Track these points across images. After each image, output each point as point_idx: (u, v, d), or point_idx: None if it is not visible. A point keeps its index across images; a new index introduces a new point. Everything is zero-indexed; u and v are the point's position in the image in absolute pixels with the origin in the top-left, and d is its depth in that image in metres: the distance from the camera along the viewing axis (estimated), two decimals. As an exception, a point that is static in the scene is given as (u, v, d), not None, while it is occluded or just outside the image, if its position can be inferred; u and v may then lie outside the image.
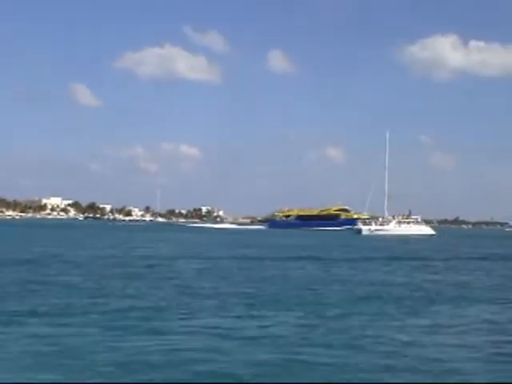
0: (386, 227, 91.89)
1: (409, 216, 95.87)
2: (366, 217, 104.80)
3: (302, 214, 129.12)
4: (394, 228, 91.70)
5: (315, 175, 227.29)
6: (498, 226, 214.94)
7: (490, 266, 32.27)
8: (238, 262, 29.53)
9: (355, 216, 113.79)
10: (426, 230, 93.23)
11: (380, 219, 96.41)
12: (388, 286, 20.36)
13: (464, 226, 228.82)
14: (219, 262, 29.41)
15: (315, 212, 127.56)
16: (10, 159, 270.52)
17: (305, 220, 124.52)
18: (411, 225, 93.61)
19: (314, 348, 10.20)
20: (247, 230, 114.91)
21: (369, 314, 14.13)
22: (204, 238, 65.50)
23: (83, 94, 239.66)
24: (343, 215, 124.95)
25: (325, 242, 59.67)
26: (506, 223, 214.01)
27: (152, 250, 39.46)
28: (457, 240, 79.71)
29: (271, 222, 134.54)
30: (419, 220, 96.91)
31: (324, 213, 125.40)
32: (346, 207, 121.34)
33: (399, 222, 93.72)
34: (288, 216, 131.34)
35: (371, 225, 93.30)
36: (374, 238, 75.87)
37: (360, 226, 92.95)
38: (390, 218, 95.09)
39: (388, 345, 10.70)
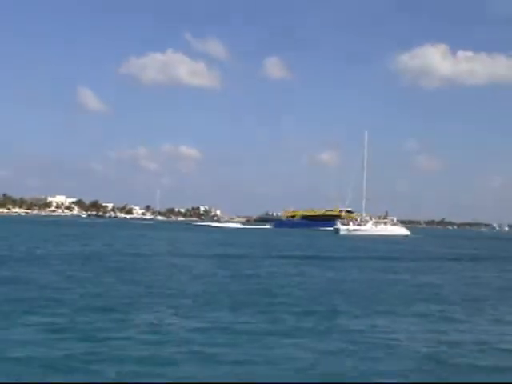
0: (363, 227, 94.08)
1: (385, 217, 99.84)
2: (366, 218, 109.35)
3: (306, 214, 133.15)
4: (370, 228, 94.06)
5: (309, 177, 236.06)
6: (482, 228, 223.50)
7: (447, 266, 32.80)
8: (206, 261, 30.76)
9: (357, 217, 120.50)
10: (401, 231, 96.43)
11: (358, 219, 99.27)
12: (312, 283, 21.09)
13: (449, 227, 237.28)
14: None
15: (319, 213, 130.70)
16: (18, 159, 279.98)
17: (309, 220, 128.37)
18: (387, 225, 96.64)
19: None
20: (253, 229, 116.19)
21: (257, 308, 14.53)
22: (217, 237, 66.62)
23: (88, 98, 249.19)
24: (346, 216, 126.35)
25: (303, 242, 61.79)
26: (490, 224, 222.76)
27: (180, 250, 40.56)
28: (429, 240, 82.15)
29: (277, 221, 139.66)
30: (395, 221, 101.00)
31: (328, 213, 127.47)
32: (350, 209, 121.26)
33: (376, 223, 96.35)
34: (293, 216, 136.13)
35: (349, 225, 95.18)
36: (350, 238, 77.92)
37: (339, 225, 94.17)
38: (368, 218, 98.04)
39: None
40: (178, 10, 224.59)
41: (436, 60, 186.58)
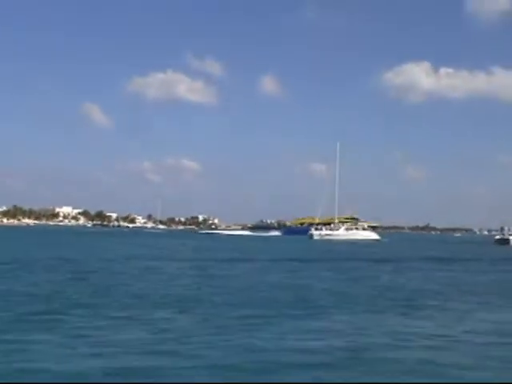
0: (335, 232, 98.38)
1: (357, 222, 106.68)
2: (374, 225, 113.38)
3: (314, 221, 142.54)
4: (342, 233, 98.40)
5: (301, 187, 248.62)
6: (464, 232, 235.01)
7: (406, 267, 34.64)
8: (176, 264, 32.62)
9: (366, 224, 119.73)
10: (372, 235, 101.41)
11: (332, 225, 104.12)
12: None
13: (433, 233, 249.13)
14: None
15: (326, 220, 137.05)
16: (30, 171, 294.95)
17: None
18: (358, 230, 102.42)
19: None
20: (260, 236, 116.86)
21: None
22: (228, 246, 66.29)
23: (96, 114, 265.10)
24: (352, 223, 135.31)
25: (279, 247, 66.20)
26: (471, 230, 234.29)
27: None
28: (397, 244, 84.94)
29: (286, 229, 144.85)
30: (365, 226, 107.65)
31: (332, 221, 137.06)
32: (356, 216, 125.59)
33: (347, 228, 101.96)
34: (302, 223, 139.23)
35: (322, 230, 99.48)
36: (322, 242, 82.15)
37: (313, 231, 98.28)
38: (340, 224, 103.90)
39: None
40: (177, 33, 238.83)
41: (420, 76, 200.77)
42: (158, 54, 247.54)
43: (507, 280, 28.03)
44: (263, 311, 14.97)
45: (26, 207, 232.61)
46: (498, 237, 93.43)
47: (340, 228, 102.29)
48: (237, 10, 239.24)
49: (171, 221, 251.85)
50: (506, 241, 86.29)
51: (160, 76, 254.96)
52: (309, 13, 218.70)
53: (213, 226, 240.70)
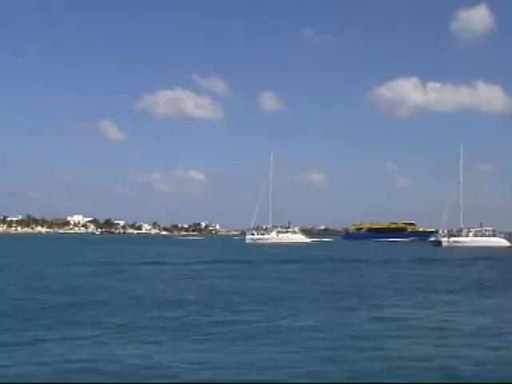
0: (266, 236, 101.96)
1: (288, 227, 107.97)
2: (431, 230, 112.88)
3: (372, 227, 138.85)
4: (273, 237, 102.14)
5: (298, 196, 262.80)
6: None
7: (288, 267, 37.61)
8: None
9: (420, 229, 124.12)
10: (302, 239, 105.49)
11: (264, 229, 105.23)
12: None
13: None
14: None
15: (384, 225, 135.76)
16: (46, 183, 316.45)
17: (375, 232, 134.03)
18: (288, 234, 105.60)
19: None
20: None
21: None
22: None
23: (110, 129, 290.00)
24: (409, 228, 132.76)
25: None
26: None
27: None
28: (329, 247, 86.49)
29: (345, 234, 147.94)
30: (296, 230, 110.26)
31: (392, 226, 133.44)
32: (413, 221, 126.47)
33: (278, 232, 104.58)
34: (360, 229, 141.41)
35: (254, 234, 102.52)
36: (253, 246, 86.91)
37: (247, 235, 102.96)
38: (273, 228, 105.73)
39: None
40: (185, 54, 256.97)
41: (409, 91, 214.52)
42: (167, 73, 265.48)
43: (364, 283, 27.48)
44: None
45: (47, 217, 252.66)
46: (432, 239, 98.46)
47: (272, 232, 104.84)
48: (239, 31, 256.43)
49: (174, 227, 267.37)
50: (439, 243, 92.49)
51: (169, 93, 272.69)
52: (305, 34, 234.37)
53: (213, 232, 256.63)
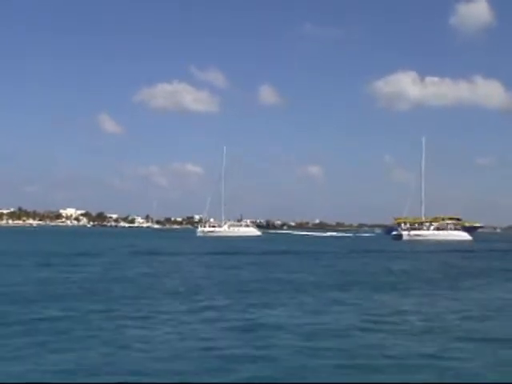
0: (217, 229, 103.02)
1: (240, 220, 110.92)
2: (479, 225, 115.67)
3: (414, 221, 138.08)
4: (225, 230, 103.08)
5: (296, 190, 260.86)
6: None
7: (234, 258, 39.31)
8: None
9: (467, 224, 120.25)
10: (253, 232, 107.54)
11: (215, 221, 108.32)
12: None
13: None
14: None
15: (428, 220, 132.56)
16: (42, 177, 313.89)
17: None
18: (240, 227, 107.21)
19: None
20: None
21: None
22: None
23: (107, 122, 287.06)
24: (451, 223, 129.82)
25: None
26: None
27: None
28: (271, 239, 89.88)
29: (387, 228, 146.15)
30: (248, 223, 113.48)
31: (434, 221, 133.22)
32: (459, 217, 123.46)
33: (230, 225, 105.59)
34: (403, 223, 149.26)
35: (205, 227, 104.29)
36: (202, 238, 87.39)
37: (199, 228, 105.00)
38: (225, 221, 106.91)
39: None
40: (183, 47, 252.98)
41: (407, 85, 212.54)
42: (165, 66, 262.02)
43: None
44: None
45: (39, 210, 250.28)
46: (394, 232, 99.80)
47: (224, 225, 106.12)
48: (238, 25, 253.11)
49: (167, 220, 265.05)
50: (400, 236, 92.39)
51: (166, 87, 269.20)
52: (304, 28, 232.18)
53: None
